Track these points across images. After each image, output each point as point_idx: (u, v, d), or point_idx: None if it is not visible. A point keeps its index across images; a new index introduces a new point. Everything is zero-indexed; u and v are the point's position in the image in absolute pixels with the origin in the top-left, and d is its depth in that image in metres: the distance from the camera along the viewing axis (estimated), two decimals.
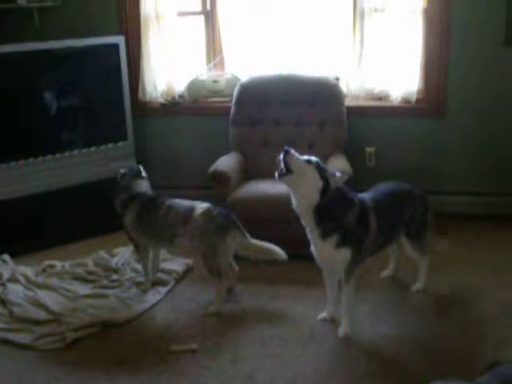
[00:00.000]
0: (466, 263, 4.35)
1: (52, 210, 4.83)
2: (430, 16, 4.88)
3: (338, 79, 5.01)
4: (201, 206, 3.90)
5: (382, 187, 3.81)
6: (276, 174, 3.33)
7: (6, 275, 4.33)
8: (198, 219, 3.84)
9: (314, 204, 3.32)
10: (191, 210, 3.89)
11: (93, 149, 5.00)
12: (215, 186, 4.49)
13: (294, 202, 3.40)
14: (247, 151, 4.89)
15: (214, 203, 3.99)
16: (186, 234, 3.87)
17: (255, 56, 5.35)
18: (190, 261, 4.44)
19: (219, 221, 3.83)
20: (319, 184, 3.30)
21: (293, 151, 3.32)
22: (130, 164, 4.31)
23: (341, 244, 3.37)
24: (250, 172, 4.81)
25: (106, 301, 4.02)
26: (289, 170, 3.29)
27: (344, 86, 5.05)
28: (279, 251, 3.89)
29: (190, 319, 3.81)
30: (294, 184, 3.35)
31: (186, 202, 3.98)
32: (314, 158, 3.37)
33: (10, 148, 4.73)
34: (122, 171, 4.19)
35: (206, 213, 3.85)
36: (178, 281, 4.27)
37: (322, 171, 3.33)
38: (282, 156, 3.30)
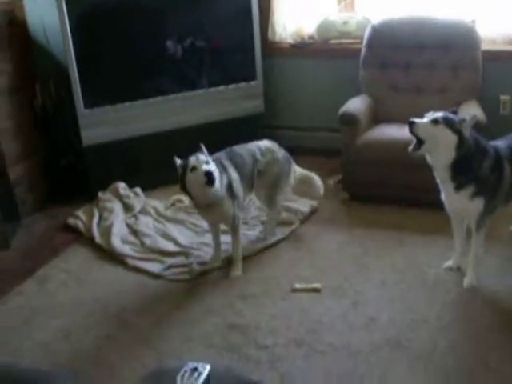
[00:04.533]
0: None
1: (181, 146, 4.94)
2: None
3: (473, 22, 4.80)
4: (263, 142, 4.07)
5: None
6: (410, 150, 3.28)
7: (137, 207, 4.52)
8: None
9: (451, 160, 3.22)
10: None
11: (222, 88, 5.05)
12: (344, 129, 4.44)
13: (429, 160, 3.32)
14: (377, 94, 4.78)
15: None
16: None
17: None
18: (315, 202, 4.47)
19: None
20: (453, 139, 3.18)
21: (417, 120, 3.23)
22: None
23: (475, 195, 3.27)
24: (378, 115, 4.71)
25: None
26: (420, 141, 3.23)
27: (480, 30, 4.83)
28: (319, 185, 4.18)
29: (314, 259, 3.85)
30: (430, 150, 3.27)
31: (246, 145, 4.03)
32: (439, 115, 3.23)
33: (142, 86, 4.88)
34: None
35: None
36: (302, 222, 4.30)
37: (452, 125, 3.19)
38: (408, 129, 3.24)
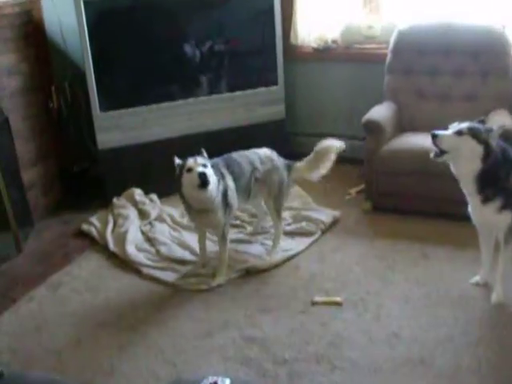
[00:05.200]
0: None
1: (198, 152, 4.88)
2: None
3: (504, 27, 4.67)
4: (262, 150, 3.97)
5: None
6: (431, 156, 3.20)
7: (153, 214, 4.46)
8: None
9: (476, 171, 3.12)
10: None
11: (243, 93, 4.97)
12: (367, 137, 4.34)
13: (454, 171, 3.22)
14: (402, 101, 4.68)
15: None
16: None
17: (412, 1, 5.07)
18: (337, 212, 4.39)
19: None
20: (479, 150, 3.08)
21: (440, 132, 3.14)
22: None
23: (503, 208, 3.16)
24: (403, 123, 4.61)
25: (250, 246, 4.05)
26: (443, 152, 3.14)
27: (511, 35, 4.70)
28: (334, 143, 4.06)
29: (335, 271, 3.75)
30: (454, 159, 3.18)
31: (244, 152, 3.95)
32: (464, 126, 3.13)
33: (159, 89, 4.82)
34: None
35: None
36: (324, 232, 4.20)
37: (478, 136, 3.09)
38: (431, 141, 3.16)
